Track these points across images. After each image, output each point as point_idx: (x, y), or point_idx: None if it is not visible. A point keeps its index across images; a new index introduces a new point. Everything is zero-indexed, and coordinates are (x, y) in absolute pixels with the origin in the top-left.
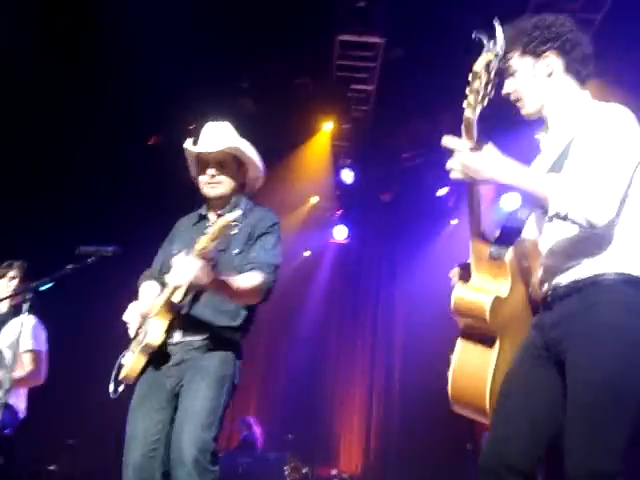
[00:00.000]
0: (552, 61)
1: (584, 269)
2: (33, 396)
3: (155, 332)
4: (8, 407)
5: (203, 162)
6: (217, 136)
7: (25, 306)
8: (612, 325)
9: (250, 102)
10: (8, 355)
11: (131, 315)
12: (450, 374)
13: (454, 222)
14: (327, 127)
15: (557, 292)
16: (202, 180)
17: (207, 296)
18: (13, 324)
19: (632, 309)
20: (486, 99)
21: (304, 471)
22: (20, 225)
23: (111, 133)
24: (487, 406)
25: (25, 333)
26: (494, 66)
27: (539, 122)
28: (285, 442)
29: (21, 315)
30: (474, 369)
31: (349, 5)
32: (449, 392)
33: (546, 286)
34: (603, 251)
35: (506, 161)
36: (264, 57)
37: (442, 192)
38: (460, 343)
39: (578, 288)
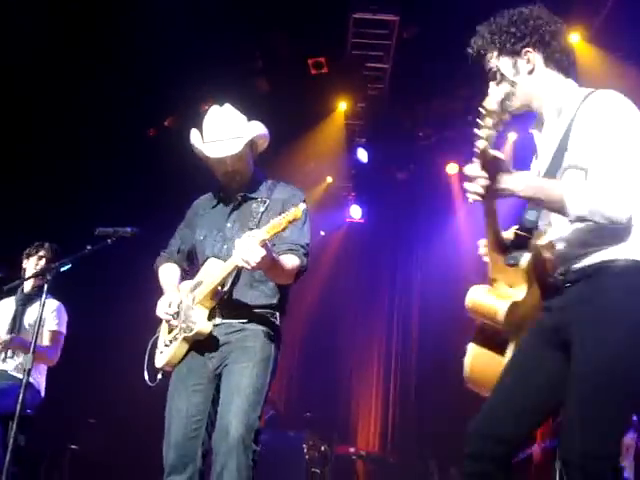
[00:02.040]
0: (532, 57)
1: (595, 255)
2: (55, 376)
3: (202, 321)
4: (30, 386)
5: (220, 159)
6: (230, 131)
7: (45, 287)
8: (621, 309)
9: (264, 82)
10: (30, 335)
11: (166, 310)
12: (465, 371)
13: (471, 200)
14: (342, 106)
15: (568, 277)
16: (220, 174)
17: (246, 277)
18: (37, 304)
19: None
20: (501, 125)
21: (322, 449)
22: (39, 207)
23: (127, 114)
24: None
25: (49, 314)
26: (510, 95)
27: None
28: (304, 420)
29: (43, 296)
30: (487, 373)
31: None
32: (465, 380)
33: (558, 272)
34: (614, 238)
35: (521, 176)
36: (278, 36)
37: (451, 170)
38: (472, 347)
39: (588, 273)
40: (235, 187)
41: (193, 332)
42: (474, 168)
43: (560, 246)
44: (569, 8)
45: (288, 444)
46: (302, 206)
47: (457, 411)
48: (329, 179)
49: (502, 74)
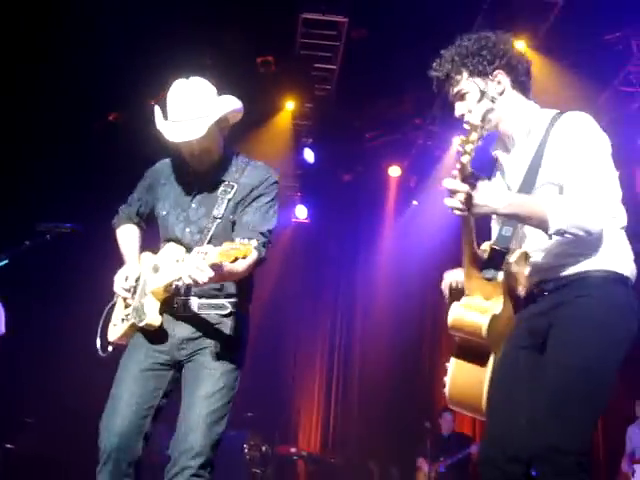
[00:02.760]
0: (502, 79)
1: (572, 266)
2: None
3: (153, 313)
4: None
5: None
6: (193, 113)
7: None
8: (595, 318)
9: (212, 78)
10: None
11: (122, 285)
12: (446, 389)
13: (415, 203)
14: (289, 106)
15: (545, 287)
16: (187, 155)
17: None
18: None
19: (616, 306)
20: (480, 140)
21: (263, 449)
22: None
23: (71, 108)
24: (484, 412)
25: None
26: (490, 109)
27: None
28: (245, 420)
29: None
30: (469, 387)
31: None
32: (447, 400)
33: (534, 282)
34: (591, 249)
35: (502, 194)
36: (227, 33)
37: (394, 172)
38: (454, 362)
39: (566, 283)
40: (204, 168)
41: (142, 323)
42: (454, 182)
43: (536, 257)
44: (515, 15)
45: (229, 444)
46: (254, 243)
47: (399, 412)
48: None
49: (483, 91)
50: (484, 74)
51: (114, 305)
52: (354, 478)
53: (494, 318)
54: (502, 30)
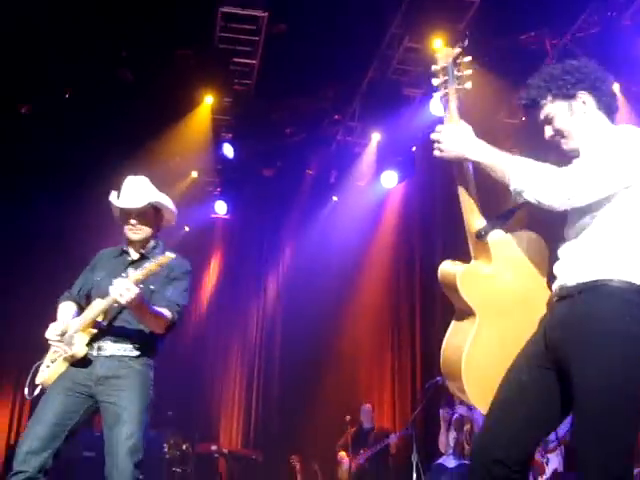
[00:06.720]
0: (586, 99)
1: (589, 272)
2: None
3: (80, 345)
4: None
5: (126, 212)
6: (138, 191)
7: None
8: (613, 332)
9: (129, 72)
10: None
11: (53, 333)
12: (442, 351)
13: (335, 199)
14: (208, 100)
15: (561, 292)
16: (126, 227)
17: (125, 315)
18: None
19: (633, 316)
20: (462, 88)
21: (184, 447)
22: None
23: None
24: (462, 375)
25: None
26: (459, 59)
27: None
28: (165, 419)
29: None
30: (456, 343)
31: None
32: (441, 367)
33: (554, 285)
34: (609, 257)
35: (475, 140)
36: (144, 26)
37: (311, 170)
38: (452, 324)
39: (579, 290)
40: (137, 244)
41: (69, 353)
42: (440, 126)
43: (561, 257)
44: (432, 14)
45: (148, 443)
46: (171, 255)
47: (319, 407)
48: (194, 174)
49: (569, 111)
50: (568, 96)
51: (41, 363)
52: (276, 474)
53: (472, 274)
54: (419, 28)
